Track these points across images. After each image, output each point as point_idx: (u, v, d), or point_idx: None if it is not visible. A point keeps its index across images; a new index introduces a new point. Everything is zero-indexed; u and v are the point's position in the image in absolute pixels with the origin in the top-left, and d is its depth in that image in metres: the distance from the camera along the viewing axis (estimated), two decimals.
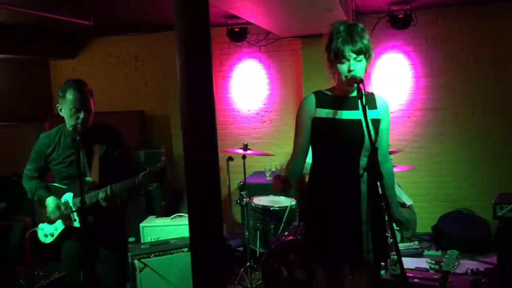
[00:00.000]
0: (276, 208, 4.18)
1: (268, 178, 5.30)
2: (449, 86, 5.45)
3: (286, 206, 4.15)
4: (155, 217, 4.65)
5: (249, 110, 6.02)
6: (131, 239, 3.79)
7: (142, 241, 4.32)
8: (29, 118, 5.97)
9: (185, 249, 3.83)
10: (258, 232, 4.23)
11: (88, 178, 2.82)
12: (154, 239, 4.32)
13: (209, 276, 1.63)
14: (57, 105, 2.80)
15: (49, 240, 2.94)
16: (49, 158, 2.87)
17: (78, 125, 2.74)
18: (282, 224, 4.13)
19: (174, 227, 4.30)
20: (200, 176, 1.43)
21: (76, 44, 6.36)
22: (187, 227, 4.39)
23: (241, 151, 4.30)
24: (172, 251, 3.78)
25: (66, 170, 2.86)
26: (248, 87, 5.97)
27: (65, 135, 2.86)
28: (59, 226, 2.90)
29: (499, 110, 5.33)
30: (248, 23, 5.06)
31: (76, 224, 2.84)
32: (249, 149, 4.32)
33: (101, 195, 2.75)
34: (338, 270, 2.46)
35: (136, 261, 3.66)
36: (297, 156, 2.43)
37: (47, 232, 2.94)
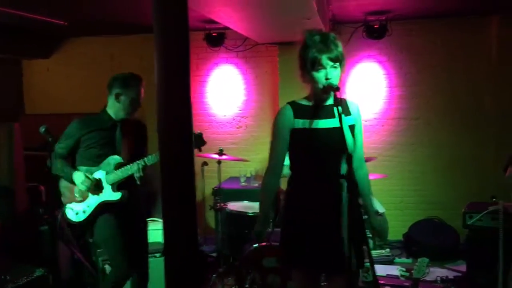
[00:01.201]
0: (250, 214, 4.17)
1: (243, 184, 5.29)
2: (422, 96, 5.56)
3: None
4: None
5: (225, 115, 6.01)
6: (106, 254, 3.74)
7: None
8: None
9: (158, 254, 3.79)
10: (232, 237, 4.21)
11: (117, 157, 3.09)
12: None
13: (182, 282, 1.61)
14: (116, 89, 3.09)
15: (82, 217, 3.10)
16: (83, 138, 3.07)
17: (131, 115, 3.18)
18: (254, 230, 4.12)
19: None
20: (176, 180, 1.41)
21: (51, 44, 6.25)
22: (159, 232, 4.36)
23: (216, 156, 4.28)
24: None
25: (98, 151, 3.08)
26: (225, 92, 5.97)
27: (104, 120, 3.13)
28: (92, 202, 3.09)
29: (468, 121, 5.46)
30: (226, 28, 5.06)
31: (110, 197, 3.08)
32: (224, 154, 4.31)
33: (135, 167, 3.00)
34: (315, 276, 2.46)
35: (107, 266, 3.60)
36: (274, 168, 2.45)
37: (78, 210, 3.11)
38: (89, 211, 3.10)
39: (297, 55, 2.33)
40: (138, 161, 3.03)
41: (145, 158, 3.03)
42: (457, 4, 4.80)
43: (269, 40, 5.32)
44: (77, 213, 3.11)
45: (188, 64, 1.47)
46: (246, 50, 5.81)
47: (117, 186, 3.09)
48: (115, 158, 3.08)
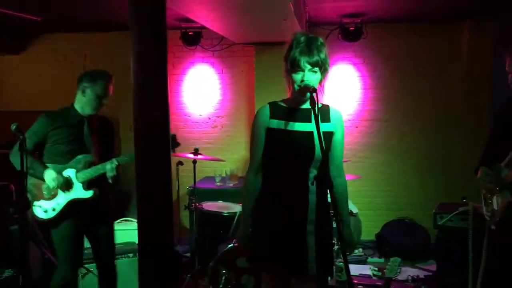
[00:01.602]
0: (225, 214, 4.17)
1: (218, 184, 5.28)
2: (395, 98, 5.65)
3: (236, 212, 4.15)
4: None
5: (200, 115, 5.98)
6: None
7: (85, 246, 4.18)
8: None
9: (131, 254, 3.75)
10: (207, 237, 4.20)
11: (88, 155, 3.10)
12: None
13: (156, 282, 1.60)
14: (83, 84, 3.10)
15: (51, 215, 3.05)
16: (50, 134, 3.04)
17: (97, 110, 3.14)
18: (231, 230, 4.12)
19: (120, 231, 4.17)
20: (152, 180, 1.41)
21: (22, 39, 6.10)
22: (133, 232, 4.31)
23: (191, 155, 4.26)
24: (117, 257, 3.69)
25: (65, 148, 3.05)
26: (200, 92, 5.95)
27: (71, 116, 3.12)
28: (61, 199, 3.06)
29: (440, 124, 5.58)
30: (203, 27, 5.04)
31: (81, 195, 3.07)
32: (200, 154, 4.29)
33: (108, 166, 3.03)
34: (284, 278, 2.47)
35: None
36: (254, 166, 2.44)
37: (47, 208, 3.07)
38: (58, 209, 3.06)
39: (283, 56, 2.34)
40: (111, 160, 3.04)
41: (118, 158, 3.06)
42: (431, 9, 4.90)
43: (245, 40, 5.32)
44: (46, 211, 3.06)
45: (166, 63, 1.46)
46: (222, 50, 5.80)
47: (87, 184, 3.09)
48: (86, 156, 3.09)
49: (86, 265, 3.60)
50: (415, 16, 5.23)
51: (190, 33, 5.44)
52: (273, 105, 2.41)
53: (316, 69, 2.26)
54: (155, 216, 1.45)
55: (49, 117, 3.10)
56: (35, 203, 3.09)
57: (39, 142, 3.07)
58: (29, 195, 3.09)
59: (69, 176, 3.07)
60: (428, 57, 5.54)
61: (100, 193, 3.11)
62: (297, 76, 2.26)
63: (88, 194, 3.07)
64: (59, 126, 3.06)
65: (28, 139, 2.99)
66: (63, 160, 3.07)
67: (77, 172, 3.07)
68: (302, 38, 2.27)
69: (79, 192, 3.07)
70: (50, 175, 3.00)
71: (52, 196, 3.07)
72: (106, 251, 3.27)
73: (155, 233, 1.47)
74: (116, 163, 3.03)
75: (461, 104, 5.49)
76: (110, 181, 3.06)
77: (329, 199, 2.28)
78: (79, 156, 3.07)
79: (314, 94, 2.17)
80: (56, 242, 3.11)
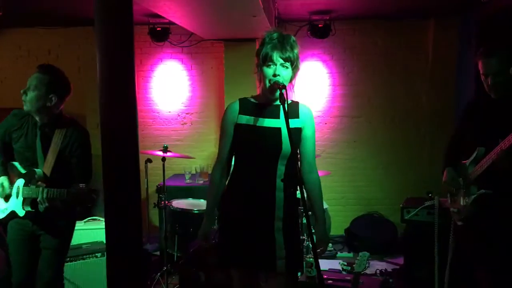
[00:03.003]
0: (195, 212, 4.14)
1: (188, 181, 5.24)
2: (363, 95, 5.73)
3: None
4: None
5: (169, 112, 5.92)
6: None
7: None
8: None
9: (99, 254, 3.68)
10: (176, 236, 4.16)
11: (39, 170, 2.73)
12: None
13: (125, 282, 1.57)
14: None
15: (1, 216, 2.86)
16: (13, 135, 2.83)
17: (24, 106, 2.77)
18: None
19: (87, 231, 4.09)
20: (120, 179, 1.37)
21: None
22: (100, 231, 4.21)
23: (160, 153, 4.21)
24: (85, 257, 3.62)
25: (24, 153, 2.80)
26: (169, 88, 5.88)
27: (26, 115, 2.85)
28: (9, 205, 2.83)
29: (407, 119, 5.69)
30: (171, 23, 4.98)
31: (16, 209, 2.79)
32: (169, 151, 4.24)
33: (40, 192, 2.64)
34: (252, 275, 2.46)
35: None
36: (220, 163, 2.44)
37: (1, 207, 2.87)
38: (6, 212, 2.85)
39: (255, 53, 2.33)
40: (42, 187, 2.65)
41: (49, 190, 2.63)
42: (397, 7, 4.98)
43: (214, 36, 5.29)
44: (2, 210, 2.89)
45: (133, 59, 1.43)
46: (191, 46, 5.75)
47: (29, 201, 2.74)
48: (38, 171, 2.74)
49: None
50: (382, 14, 5.31)
51: (158, 29, 5.37)
52: (243, 101, 2.41)
53: (288, 64, 2.27)
54: (122, 215, 1.42)
55: (15, 115, 2.89)
56: None
57: (4, 140, 2.87)
58: None
59: (11, 186, 2.83)
60: (396, 54, 5.63)
61: (37, 216, 2.76)
62: (269, 70, 2.26)
63: (21, 212, 2.76)
64: (19, 128, 2.83)
65: None
66: (23, 165, 2.82)
67: (24, 185, 2.77)
68: (275, 35, 2.29)
69: (15, 206, 2.80)
70: None
71: (5, 198, 2.87)
72: (42, 270, 2.86)
73: (123, 231, 1.44)
74: (46, 192, 2.63)
75: (427, 100, 5.61)
76: (40, 209, 2.69)
77: (298, 195, 2.28)
78: (34, 169, 2.74)
79: (284, 91, 2.18)
80: (8, 243, 2.92)
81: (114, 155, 1.35)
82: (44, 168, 2.75)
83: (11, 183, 2.85)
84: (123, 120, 1.33)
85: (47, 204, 2.65)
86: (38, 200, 2.67)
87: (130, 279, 1.58)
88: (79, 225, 4.18)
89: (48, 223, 2.83)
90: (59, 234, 2.88)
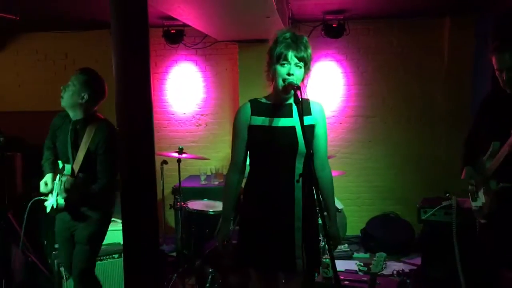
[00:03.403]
0: (211, 213, 4.15)
1: (203, 182, 5.26)
2: (378, 95, 5.69)
3: (221, 211, 4.13)
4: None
5: (184, 113, 5.95)
6: (57, 245, 3.63)
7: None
8: None
9: (116, 255, 3.71)
10: (192, 237, 4.18)
11: (68, 166, 2.91)
12: None
13: (142, 283, 1.58)
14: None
15: (47, 210, 3.03)
16: (57, 133, 3.05)
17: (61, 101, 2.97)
18: (217, 229, 4.11)
19: None
20: (136, 180, 1.39)
21: (0, 39, 5.99)
22: (118, 233, 4.25)
23: (176, 154, 4.24)
24: (102, 258, 3.65)
25: (61, 149, 3.00)
26: (184, 90, 5.91)
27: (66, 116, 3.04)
28: (51, 201, 2.99)
29: (423, 119, 5.64)
30: (185, 25, 5.01)
31: (54, 205, 2.94)
32: (184, 153, 4.26)
33: (57, 188, 2.89)
34: (271, 275, 2.47)
35: (62, 269, 3.49)
36: (235, 165, 2.45)
37: (49, 203, 3.03)
38: (49, 207, 3.04)
39: (268, 50, 2.33)
40: (61, 179, 2.88)
41: (64, 178, 2.87)
42: (412, 6, 4.94)
43: (228, 37, 5.31)
44: (48, 205, 3.08)
45: (148, 61, 1.44)
46: (205, 48, 5.77)
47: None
48: (67, 167, 2.92)
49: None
50: (396, 13, 5.27)
51: (172, 31, 5.40)
52: (254, 102, 2.41)
53: (302, 64, 2.28)
54: (139, 216, 1.43)
55: (59, 115, 3.10)
56: (49, 196, 3.06)
57: (50, 138, 3.11)
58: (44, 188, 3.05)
59: (55, 182, 2.98)
60: (410, 53, 5.59)
61: (70, 206, 2.94)
62: (283, 69, 2.26)
63: (55, 205, 2.95)
64: (60, 126, 3.05)
65: (47, 138, 3.13)
66: (63, 161, 3.00)
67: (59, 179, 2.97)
68: (288, 34, 2.29)
69: (53, 200, 2.96)
70: (44, 179, 3.01)
71: (51, 193, 3.07)
72: (74, 263, 3.04)
73: (140, 233, 1.45)
74: (63, 182, 2.86)
75: (443, 100, 5.55)
76: (58, 200, 2.89)
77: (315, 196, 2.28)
78: (68, 164, 2.94)
79: (298, 92, 2.18)
80: (56, 235, 3.18)
81: (130, 156, 1.36)
82: (74, 165, 2.91)
83: (55, 179, 3.03)
84: (139, 122, 1.34)
85: (64, 195, 2.85)
86: (57, 192, 2.88)
87: (147, 280, 1.60)
88: None
89: (78, 216, 2.99)
90: (89, 228, 3.01)
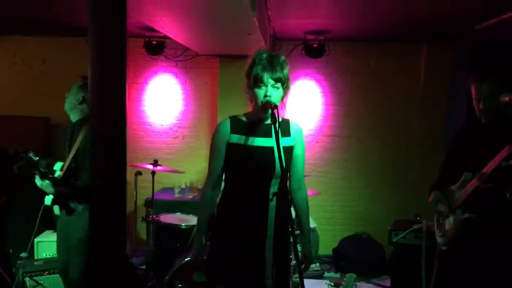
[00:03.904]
0: (183, 227, 4.10)
1: (177, 195, 5.21)
2: (355, 115, 5.76)
3: (194, 225, 4.09)
4: (52, 232, 4.36)
5: (162, 125, 5.91)
6: (23, 255, 3.55)
7: (36, 257, 4.03)
8: None
9: None
10: (163, 250, 4.12)
11: (58, 165, 3.07)
12: (49, 255, 4.04)
13: None
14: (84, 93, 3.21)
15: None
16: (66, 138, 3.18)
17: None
18: (189, 243, 4.06)
19: None
20: (105, 190, 1.36)
21: None
22: None
23: (150, 166, 4.19)
24: (54, 271, 3.56)
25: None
26: (162, 102, 5.88)
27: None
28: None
29: (398, 141, 5.72)
30: (166, 37, 5.00)
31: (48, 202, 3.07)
32: (159, 165, 4.22)
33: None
34: None
35: (27, 279, 3.40)
36: (211, 181, 2.44)
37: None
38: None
39: (245, 72, 2.34)
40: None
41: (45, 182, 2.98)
42: (391, 30, 5.04)
43: (210, 52, 5.32)
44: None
45: (125, 72, 1.43)
46: (186, 60, 5.77)
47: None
48: (56, 165, 3.10)
49: (36, 278, 3.44)
50: (376, 36, 5.37)
51: (153, 42, 5.39)
52: (234, 120, 2.40)
53: (279, 85, 2.28)
54: (107, 229, 1.40)
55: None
56: None
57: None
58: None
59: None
60: (388, 76, 5.68)
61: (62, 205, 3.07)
62: (260, 91, 2.26)
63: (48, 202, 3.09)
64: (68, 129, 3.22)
65: None
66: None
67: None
68: (265, 55, 2.29)
69: (47, 199, 3.09)
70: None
71: None
72: (71, 271, 3.08)
73: (107, 244, 1.42)
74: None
75: (418, 123, 5.64)
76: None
77: (292, 215, 2.29)
78: (58, 163, 3.12)
79: (275, 111, 2.19)
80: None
81: (101, 166, 1.34)
82: (65, 164, 3.04)
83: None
84: (112, 131, 1.32)
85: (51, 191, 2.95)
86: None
87: None
88: None
89: (69, 210, 3.06)
90: (78, 230, 3.01)
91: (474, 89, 2.69)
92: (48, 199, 3.07)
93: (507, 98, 2.32)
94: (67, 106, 3.17)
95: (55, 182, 2.96)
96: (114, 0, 1.33)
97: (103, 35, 1.36)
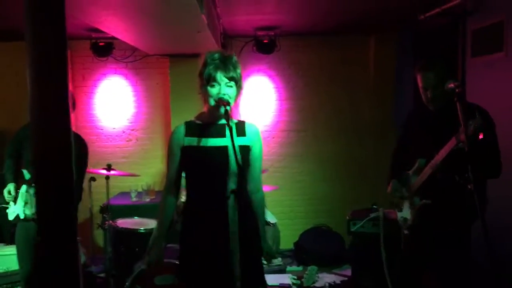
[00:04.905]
0: (141, 231, 4.02)
1: (134, 199, 5.10)
2: (309, 109, 5.82)
3: (152, 229, 4.01)
4: (4, 245, 4.17)
5: (114, 128, 5.77)
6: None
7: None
8: None
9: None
10: (122, 256, 4.02)
11: (28, 175, 3.09)
12: (1, 269, 3.86)
13: None
14: None
15: (10, 217, 3.17)
16: (26, 145, 3.21)
17: None
18: (149, 247, 3.97)
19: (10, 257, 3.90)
20: (53, 200, 1.30)
21: None
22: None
23: (104, 171, 4.08)
24: (5, 286, 3.44)
25: (28, 159, 3.11)
26: (114, 104, 5.73)
27: None
28: (15, 209, 3.13)
29: (351, 132, 5.82)
30: (114, 38, 4.87)
31: (21, 214, 3.10)
32: (113, 169, 4.12)
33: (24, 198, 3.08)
34: None
35: None
36: (169, 186, 2.47)
37: (12, 211, 3.16)
38: (13, 215, 3.16)
39: (198, 75, 2.36)
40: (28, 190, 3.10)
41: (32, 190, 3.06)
42: (339, 24, 5.12)
43: (159, 51, 5.23)
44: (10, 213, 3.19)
45: (66, 77, 1.36)
46: (136, 61, 5.65)
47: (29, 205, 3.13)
48: (25, 173, 3.15)
49: None
50: (325, 31, 5.44)
51: (101, 44, 5.24)
52: (188, 124, 2.44)
53: (232, 83, 2.30)
54: (56, 236, 1.34)
55: (25, 127, 3.31)
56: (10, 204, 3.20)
57: (18, 148, 3.27)
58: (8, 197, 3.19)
59: (20, 191, 3.15)
60: (339, 69, 5.77)
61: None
62: (214, 90, 2.27)
63: (21, 215, 3.09)
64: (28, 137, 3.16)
65: (10, 144, 3.34)
66: (31, 172, 3.12)
67: (26, 190, 3.14)
68: (217, 55, 2.33)
69: (18, 209, 3.10)
70: (7, 188, 3.15)
71: (14, 202, 3.18)
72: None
73: (57, 256, 1.36)
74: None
75: (369, 112, 5.76)
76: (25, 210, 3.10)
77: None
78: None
79: (229, 108, 2.19)
80: (16, 242, 3.26)
81: (45, 175, 1.28)
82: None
83: (19, 188, 3.17)
84: (56, 137, 1.26)
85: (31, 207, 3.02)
86: (24, 201, 3.07)
87: None
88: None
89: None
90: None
91: (420, 78, 2.77)
92: (22, 214, 3.09)
93: (452, 85, 2.41)
94: None
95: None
96: (51, 1, 1.28)
97: (40, 37, 1.30)
